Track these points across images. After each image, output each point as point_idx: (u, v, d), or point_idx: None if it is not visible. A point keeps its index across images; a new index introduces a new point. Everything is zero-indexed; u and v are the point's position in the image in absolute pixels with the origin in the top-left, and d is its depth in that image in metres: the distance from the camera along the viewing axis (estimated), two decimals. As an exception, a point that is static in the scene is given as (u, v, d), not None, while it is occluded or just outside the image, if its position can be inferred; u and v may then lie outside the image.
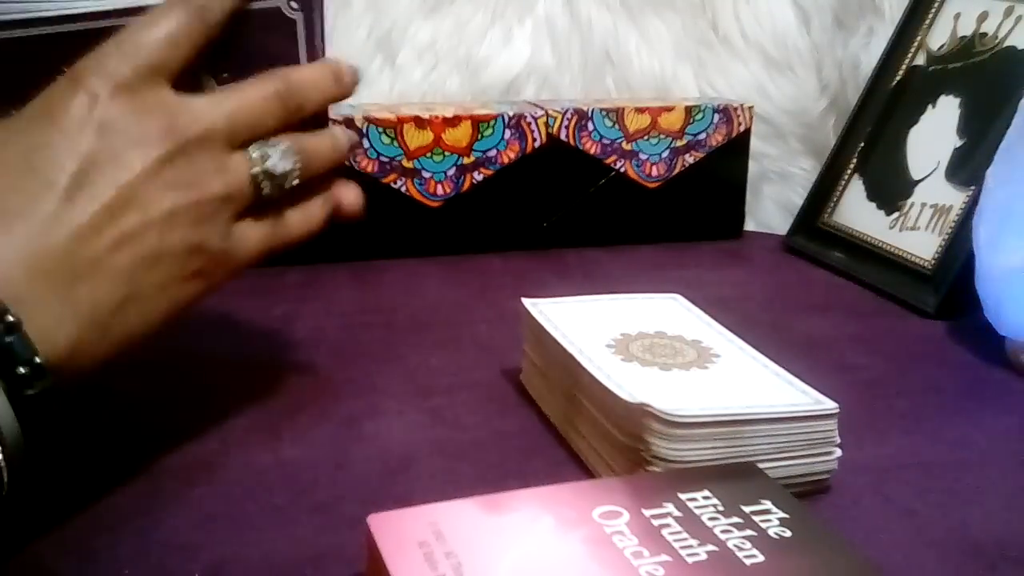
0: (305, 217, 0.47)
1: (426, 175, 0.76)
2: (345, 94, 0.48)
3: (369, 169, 0.74)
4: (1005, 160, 0.62)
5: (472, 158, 0.77)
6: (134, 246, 0.40)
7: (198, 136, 0.41)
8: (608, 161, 0.80)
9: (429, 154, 0.76)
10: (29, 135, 0.39)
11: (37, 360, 0.36)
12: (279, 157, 0.44)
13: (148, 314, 0.41)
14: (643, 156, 0.81)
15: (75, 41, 0.42)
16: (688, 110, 0.81)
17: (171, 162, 0.40)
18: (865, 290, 0.73)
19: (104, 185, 0.39)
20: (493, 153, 0.77)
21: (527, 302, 0.54)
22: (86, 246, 0.38)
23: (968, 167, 0.71)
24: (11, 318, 0.36)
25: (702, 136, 0.82)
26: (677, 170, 0.82)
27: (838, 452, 0.45)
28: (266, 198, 0.44)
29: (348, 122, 0.72)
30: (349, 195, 0.50)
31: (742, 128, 0.83)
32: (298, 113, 0.45)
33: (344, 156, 0.49)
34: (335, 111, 0.55)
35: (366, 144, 0.74)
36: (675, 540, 0.35)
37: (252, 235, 0.45)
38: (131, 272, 0.40)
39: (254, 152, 0.43)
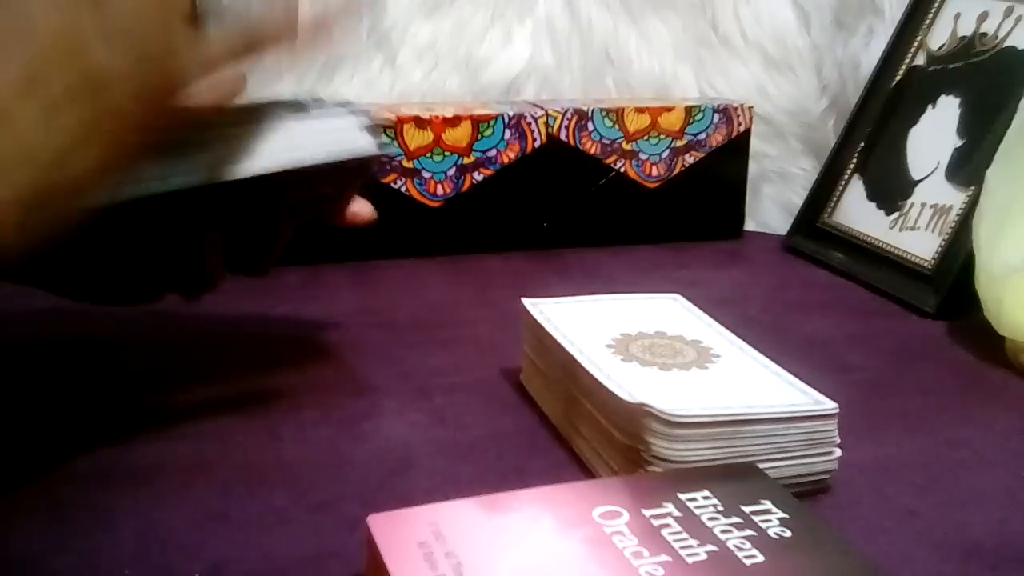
0: (265, 21, 0.42)
1: (426, 175, 0.76)
2: None
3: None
4: (1005, 160, 0.62)
5: (472, 158, 0.77)
6: (57, 112, 0.35)
7: None
8: (608, 161, 0.80)
9: (429, 154, 0.76)
10: None
11: None
12: None
13: (81, 198, 0.37)
14: (643, 156, 0.81)
15: None
16: (688, 110, 0.81)
17: (92, 2, 0.36)
18: (865, 290, 0.73)
19: (15, 43, 0.34)
20: (493, 153, 0.77)
21: (527, 302, 0.54)
22: (10, 124, 0.34)
23: (968, 167, 0.71)
24: None
25: (702, 136, 0.82)
26: (677, 170, 0.82)
27: (838, 452, 0.45)
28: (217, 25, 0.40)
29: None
30: (362, 208, 0.52)
31: (742, 128, 0.83)
32: None
33: None
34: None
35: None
36: (675, 540, 0.35)
37: (207, 50, 0.39)
38: (59, 146, 0.35)
39: None
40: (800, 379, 0.46)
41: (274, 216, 0.50)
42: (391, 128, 0.74)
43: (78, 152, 0.36)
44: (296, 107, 0.49)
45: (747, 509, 0.37)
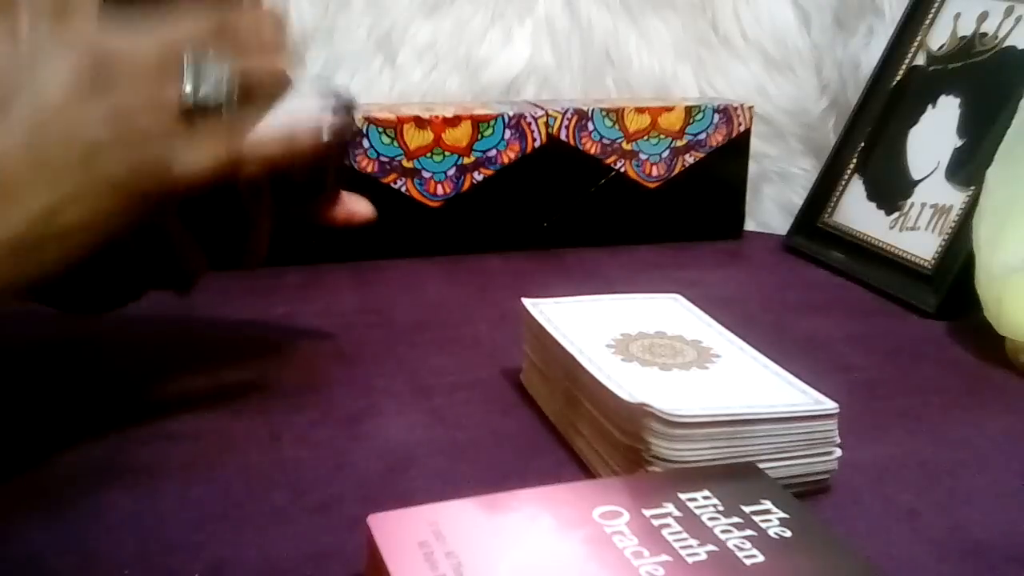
0: (257, 141, 0.44)
1: (426, 175, 0.76)
2: (282, 44, 0.46)
3: (369, 169, 0.74)
4: (1005, 160, 0.62)
5: (472, 158, 0.77)
6: (54, 174, 0.38)
7: (123, 62, 0.40)
8: (608, 161, 0.80)
9: (429, 154, 0.76)
10: None
11: None
12: (210, 86, 0.42)
13: (67, 247, 0.40)
14: (643, 156, 0.81)
15: None
16: (688, 110, 0.81)
17: (95, 89, 0.39)
18: (865, 290, 0.73)
19: (22, 111, 0.38)
20: (493, 153, 0.77)
21: (527, 302, 0.54)
22: (2, 172, 0.37)
23: (968, 167, 0.71)
24: None
25: (702, 136, 0.82)
26: (677, 170, 0.82)
27: (838, 452, 0.45)
28: (203, 123, 0.42)
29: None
30: (359, 206, 0.52)
31: (742, 128, 0.83)
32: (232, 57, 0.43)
33: (280, 35, 0.46)
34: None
35: (366, 144, 0.74)
36: (675, 540, 0.35)
37: (194, 158, 0.42)
38: (51, 201, 0.38)
39: (186, 81, 0.41)
40: (800, 379, 0.46)
41: (236, 197, 0.50)
42: (391, 127, 0.74)
43: (71, 209, 0.39)
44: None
45: (747, 509, 0.37)
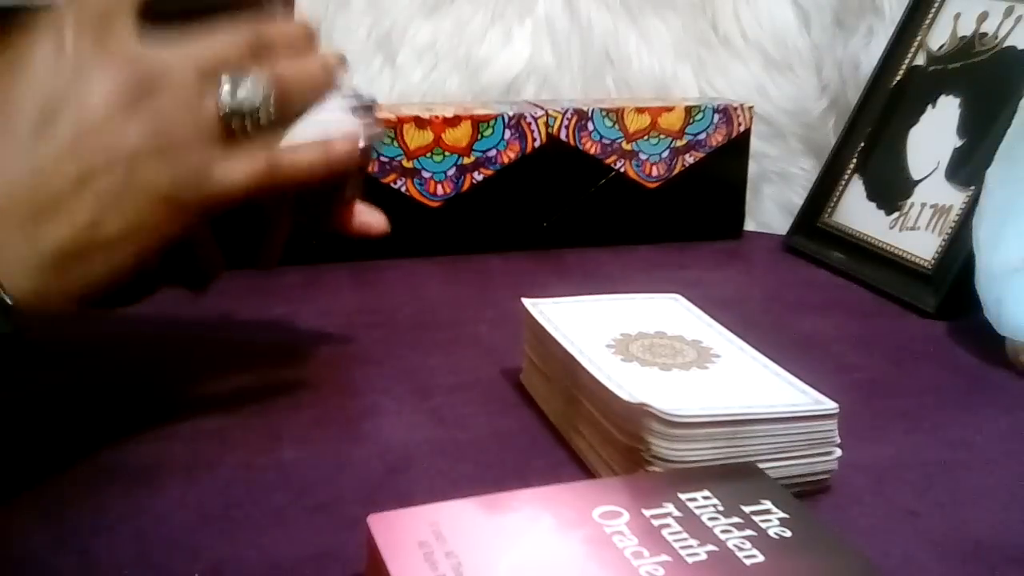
0: (295, 153, 0.46)
1: (426, 175, 0.76)
2: (314, 52, 0.48)
3: (369, 169, 0.74)
4: (1005, 160, 0.62)
5: (472, 158, 0.77)
6: (97, 184, 0.40)
7: (163, 75, 0.42)
8: (608, 161, 0.80)
9: (429, 154, 0.76)
10: None
11: (5, 299, 0.37)
12: (247, 91, 0.43)
13: (113, 257, 0.41)
14: (643, 156, 0.81)
15: None
16: (688, 110, 0.81)
17: (136, 102, 0.41)
18: (865, 290, 0.73)
19: (66, 124, 0.39)
20: (493, 153, 0.77)
21: (527, 302, 0.54)
22: (48, 185, 0.39)
23: (968, 167, 0.71)
24: None
25: (702, 136, 0.82)
26: (677, 170, 0.82)
27: (838, 452, 0.45)
28: (242, 132, 0.44)
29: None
30: (374, 219, 0.54)
31: (742, 128, 0.83)
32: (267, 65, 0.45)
33: (331, 76, 0.48)
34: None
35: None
36: (675, 540, 0.35)
37: (234, 170, 0.43)
38: (95, 212, 0.40)
39: (223, 88, 0.43)
40: (800, 379, 0.46)
41: (260, 204, 0.50)
42: (391, 127, 0.74)
43: (111, 222, 0.40)
44: None
45: (747, 509, 0.37)
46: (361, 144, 0.48)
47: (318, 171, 0.46)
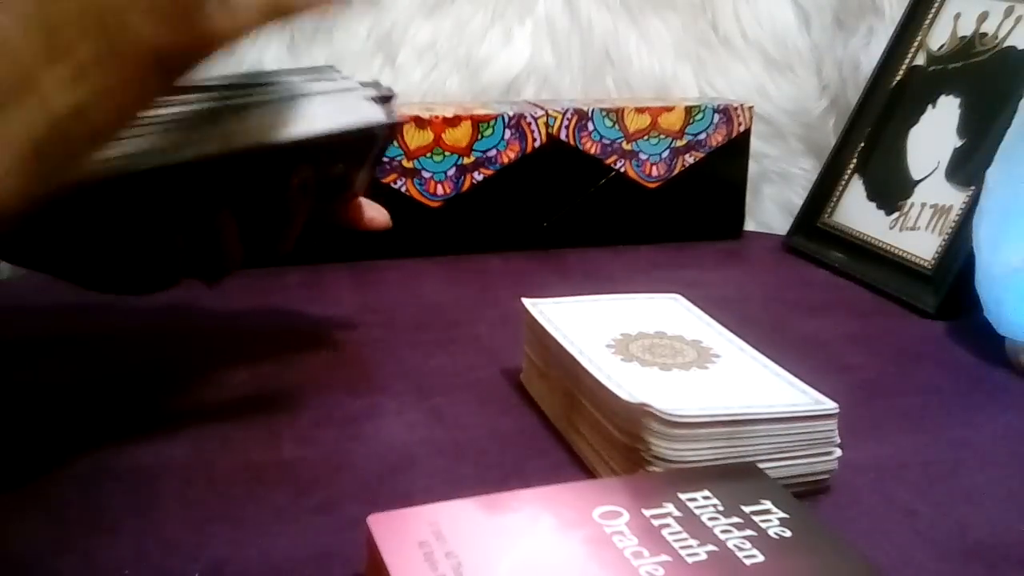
0: None
1: (426, 175, 0.76)
2: None
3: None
4: (1005, 160, 0.62)
5: (472, 158, 0.77)
6: (75, 60, 0.34)
7: None
8: (608, 161, 0.80)
9: (429, 154, 0.76)
10: None
11: None
12: None
13: (97, 138, 0.36)
14: (643, 156, 0.81)
15: None
16: (688, 110, 0.81)
17: None
18: (865, 290, 0.73)
19: None
20: (493, 153, 0.77)
21: (527, 302, 0.54)
22: (14, 61, 0.33)
23: (968, 167, 0.71)
24: None
25: (702, 136, 0.82)
26: (677, 170, 0.82)
27: (838, 452, 0.45)
28: None
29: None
30: (378, 214, 0.53)
31: (742, 128, 0.83)
32: None
33: None
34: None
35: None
36: (675, 540, 0.35)
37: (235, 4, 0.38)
38: (78, 101, 0.35)
39: None
40: (800, 379, 0.46)
41: (286, 192, 0.51)
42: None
43: (98, 106, 0.35)
44: (313, 72, 0.49)
45: (747, 509, 0.37)
46: (387, 119, 0.49)
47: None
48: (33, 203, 0.35)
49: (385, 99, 0.52)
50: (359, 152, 0.53)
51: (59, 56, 0.34)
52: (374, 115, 0.50)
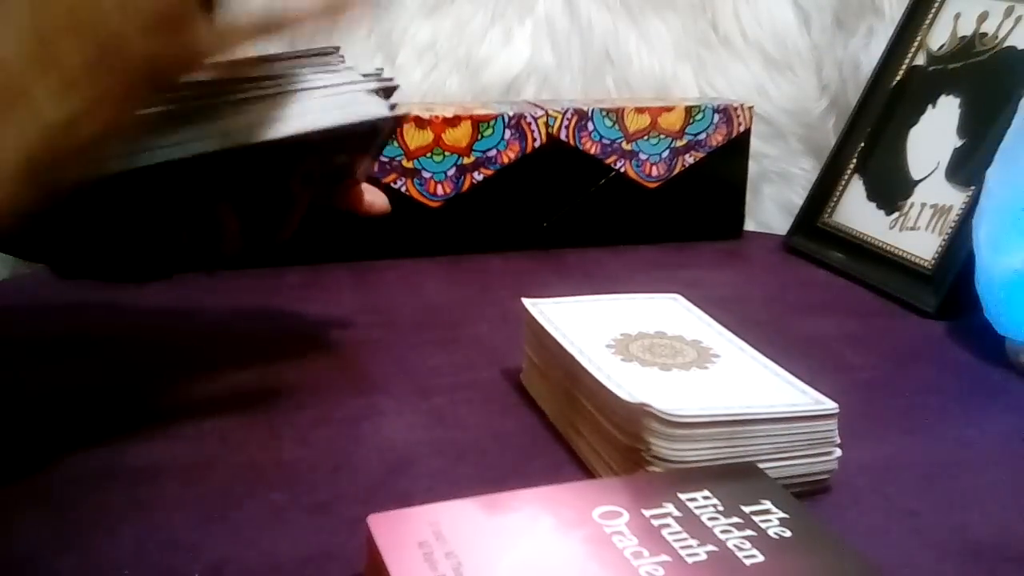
0: None
1: (426, 175, 0.76)
2: None
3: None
4: (1005, 160, 0.62)
5: (472, 158, 0.77)
6: (68, 75, 0.34)
7: None
8: (608, 161, 0.80)
9: (429, 154, 0.76)
10: None
11: None
12: None
13: (87, 155, 0.36)
14: (643, 156, 0.81)
15: None
16: (688, 110, 0.81)
17: None
18: (865, 290, 0.73)
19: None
20: (493, 153, 0.77)
21: (527, 302, 0.54)
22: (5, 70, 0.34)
23: (968, 167, 0.71)
24: None
25: (702, 136, 0.82)
26: (677, 170, 0.82)
27: (838, 452, 0.45)
28: None
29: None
30: (377, 198, 0.53)
31: (742, 128, 0.83)
32: None
33: None
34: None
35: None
36: (675, 540, 0.35)
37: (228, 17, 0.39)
38: (70, 114, 0.35)
39: None
40: (800, 379, 0.46)
41: (287, 184, 0.51)
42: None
43: (89, 117, 0.35)
44: (317, 56, 0.49)
45: (747, 509, 0.37)
46: (389, 112, 0.49)
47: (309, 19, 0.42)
48: (27, 209, 0.35)
49: (388, 90, 0.52)
50: (362, 143, 0.53)
51: (51, 66, 0.34)
52: (376, 109, 0.50)
